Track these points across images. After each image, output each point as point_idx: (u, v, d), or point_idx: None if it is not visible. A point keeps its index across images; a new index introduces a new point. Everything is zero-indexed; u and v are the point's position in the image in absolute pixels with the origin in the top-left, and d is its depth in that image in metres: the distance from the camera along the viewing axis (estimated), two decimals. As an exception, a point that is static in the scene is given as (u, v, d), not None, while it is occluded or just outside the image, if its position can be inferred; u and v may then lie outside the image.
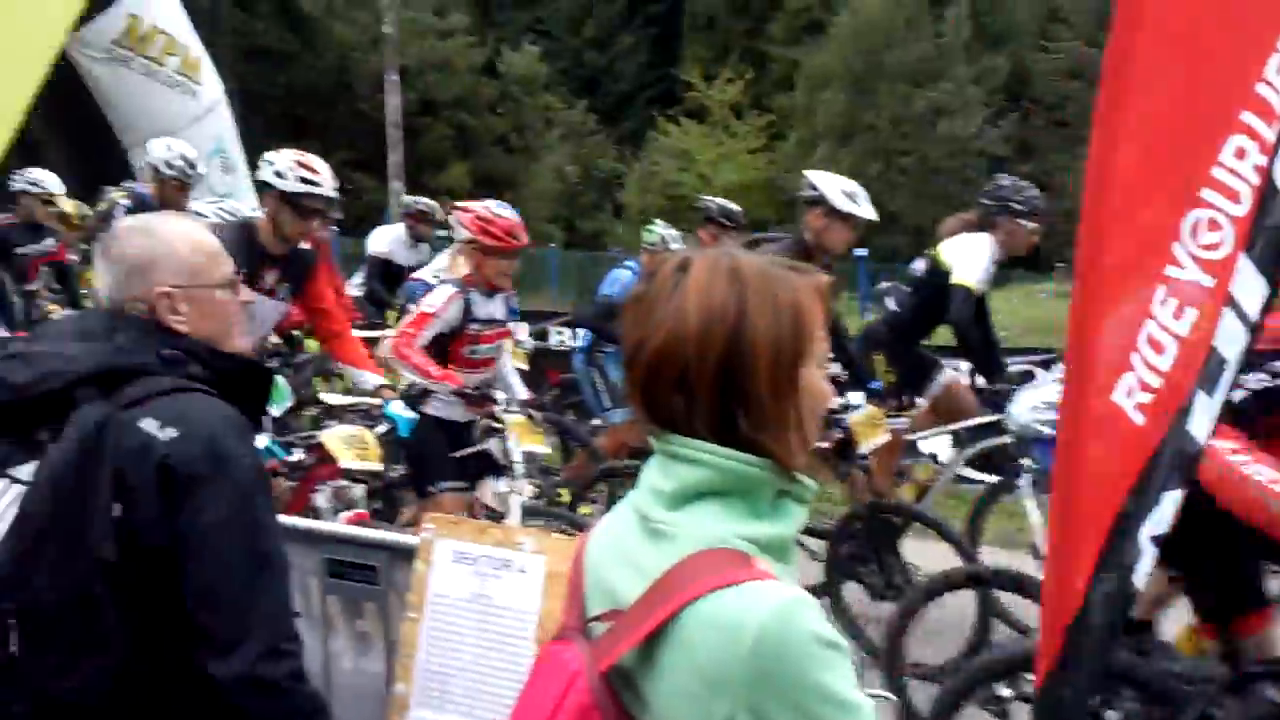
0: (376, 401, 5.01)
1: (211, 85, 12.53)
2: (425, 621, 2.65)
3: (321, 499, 4.83)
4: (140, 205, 7.52)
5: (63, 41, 4.09)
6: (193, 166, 7.84)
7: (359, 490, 4.86)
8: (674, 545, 1.32)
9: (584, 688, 1.34)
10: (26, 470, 1.90)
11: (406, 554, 2.73)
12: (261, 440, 4.60)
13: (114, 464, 1.84)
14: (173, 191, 7.77)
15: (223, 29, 27.17)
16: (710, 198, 7.76)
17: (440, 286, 5.01)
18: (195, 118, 12.31)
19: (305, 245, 4.92)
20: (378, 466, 4.86)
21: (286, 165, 4.67)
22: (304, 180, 4.64)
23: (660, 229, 7.39)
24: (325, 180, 4.69)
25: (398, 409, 4.87)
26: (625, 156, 34.99)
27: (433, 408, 4.95)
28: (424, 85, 30.39)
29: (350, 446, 4.70)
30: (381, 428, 4.88)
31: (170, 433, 1.87)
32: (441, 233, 9.23)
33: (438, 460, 4.94)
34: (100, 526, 1.82)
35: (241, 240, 4.55)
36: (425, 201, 9.96)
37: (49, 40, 3.82)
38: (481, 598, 2.64)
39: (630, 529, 1.40)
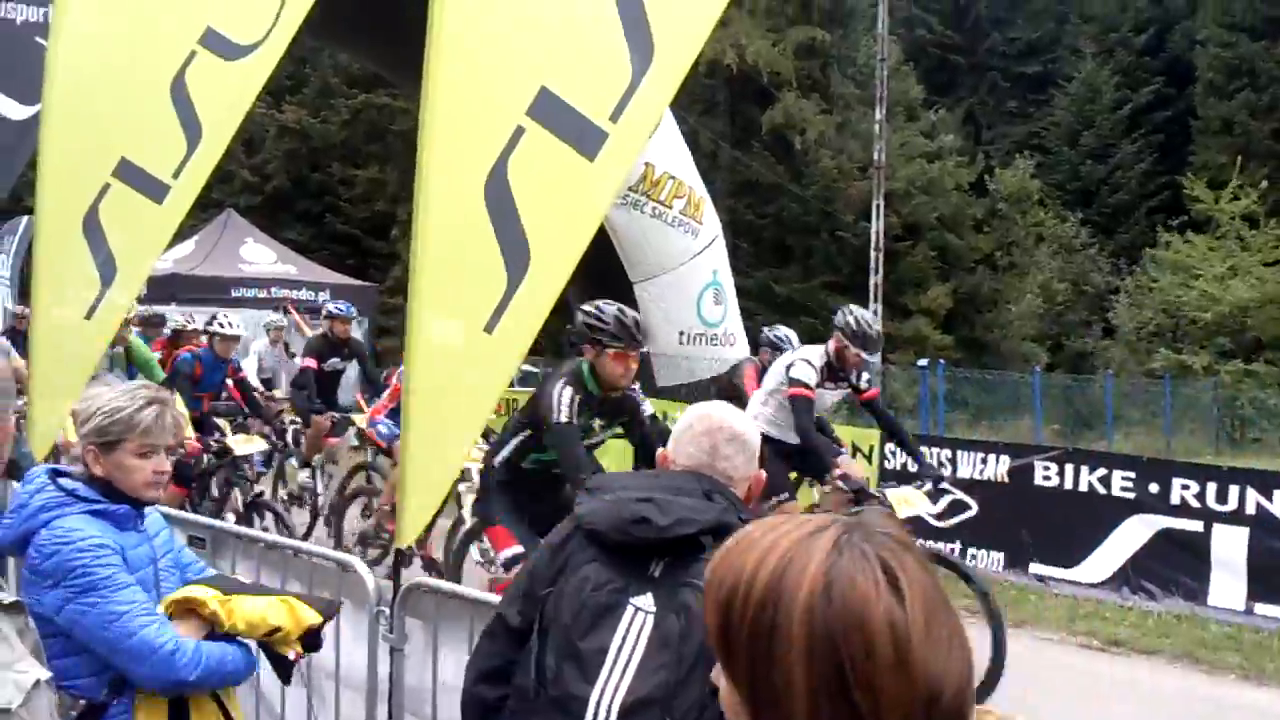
0: None
1: (710, 223, 13.45)
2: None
3: None
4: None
5: (608, 206, 4.67)
6: None
7: None
8: None
9: None
10: (646, 600, 2.23)
11: None
12: None
13: None
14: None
15: (720, 167, 29.23)
16: None
17: None
18: (694, 253, 13.26)
19: None
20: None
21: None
22: None
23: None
24: None
25: None
26: (1120, 270, 32.89)
27: None
28: (909, 208, 30.62)
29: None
30: None
31: None
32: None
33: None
34: None
35: None
36: None
37: (601, 205, 4.34)
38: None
39: None
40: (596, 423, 5.43)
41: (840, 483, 6.41)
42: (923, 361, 22.52)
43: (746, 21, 29.40)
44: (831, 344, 6.86)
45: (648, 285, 13.16)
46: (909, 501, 6.38)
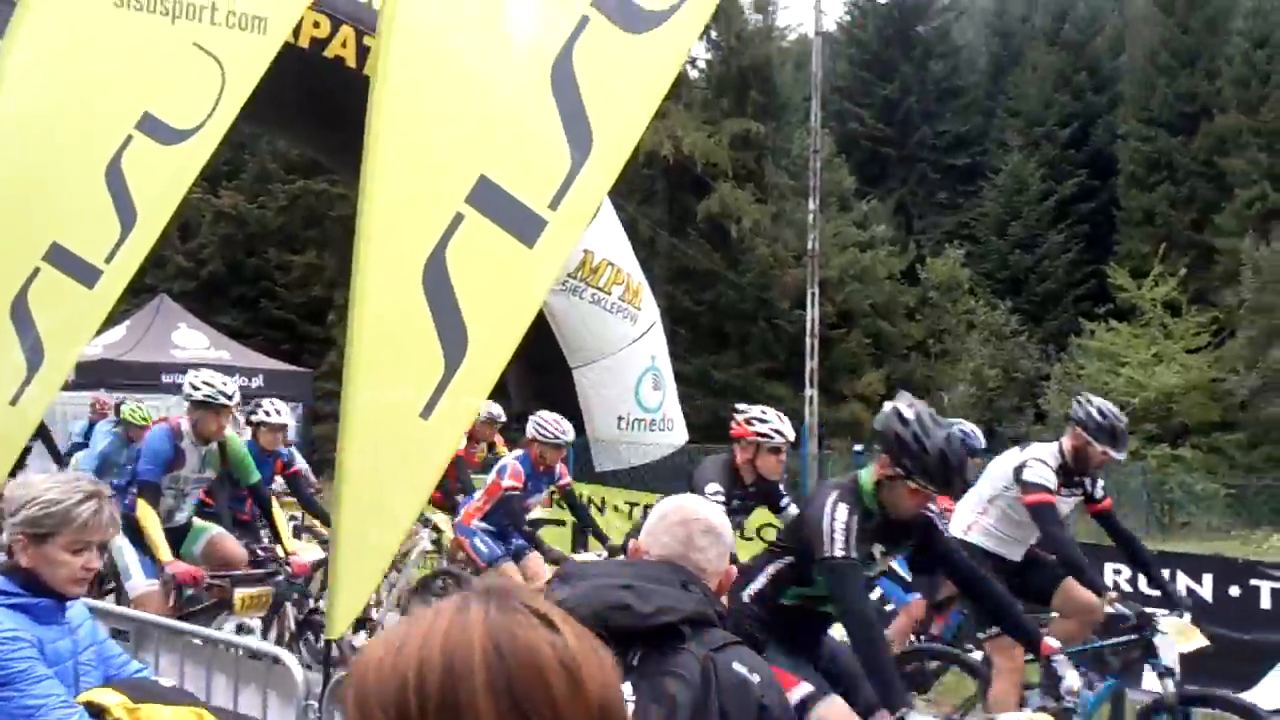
0: None
1: (649, 309, 13.55)
2: None
3: None
4: None
5: (546, 292, 4.69)
6: None
7: None
8: None
9: None
10: (625, 689, 2.20)
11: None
12: None
13: (719, 698, 2.15)
14: None
15: (658, 254, 29.55)
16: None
17: None
18: (633, 339, 13.33)
19: None
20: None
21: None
22: None
23: None
24: None
25: None
26: (1049, 357, 33.67)
27: None
28: (843, 295, 31.14)
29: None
30: None
31: (756, 677, 2.21)
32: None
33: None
34: None
35: None
36: None
37: (539, 292, 4.36)
38: None
39: None
40: (878, 549, 4.33)
41: (1119, 606, 5.47)
42: (858, 447, 22.68)
43: (683, 114, 29.97)
44: (1068, 441, 5.83)
45: (586, 371, 13.19)
46: (1185, 634, 5.35)
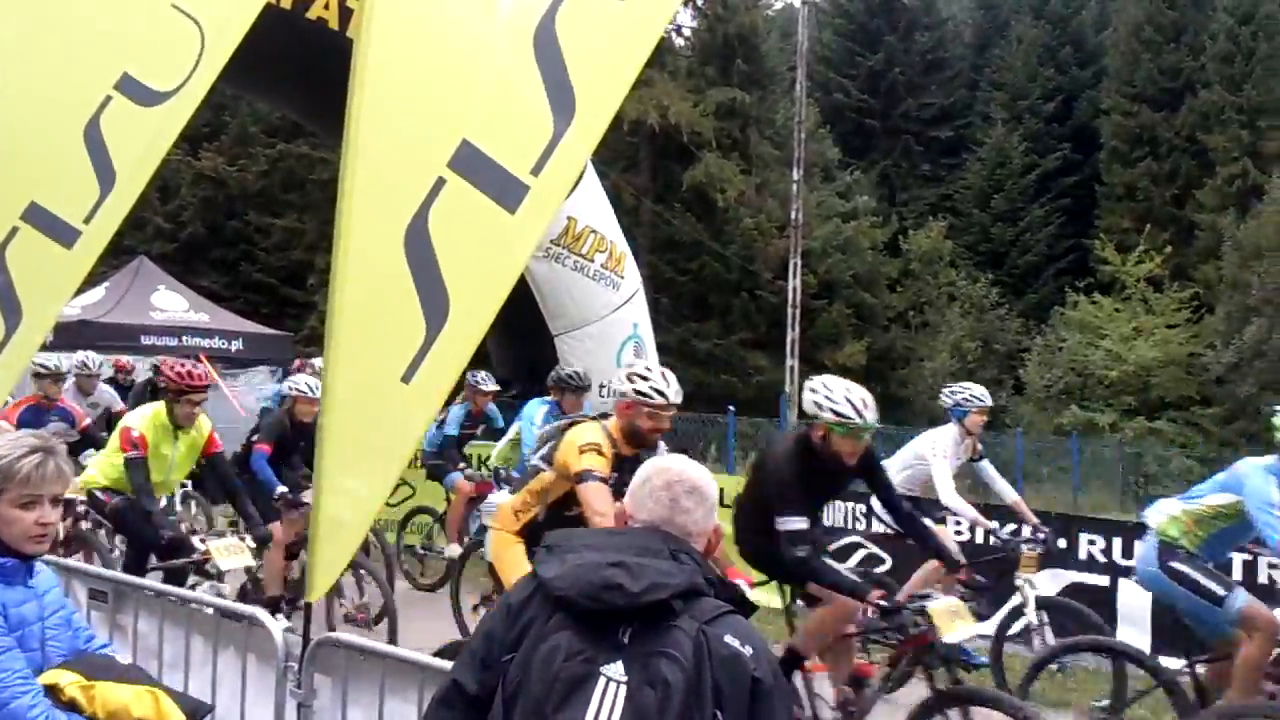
0: None
1: (632, 277, 13.54)
2: None
3: None
4: None
5: (528, 258, 4.69)
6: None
7: None
8: None
9: None
10: (617, 669, 2.15)
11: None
12: None
13: (713, 673, 2.12)
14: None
15: (642, 222, 29.48)
16: None
17: None
18: (615, 306, 13.33)
19: None
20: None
21: None
22: None
23: None
24: None
25: None
26: (1029, 330, 33.87)
27: None
28: (825, 266, 31.18)
29: None
30: None
31: (748, 649, 2.17)
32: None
33: None
34: None
35: None
36: None
37: (521, 258, 4.36)
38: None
39: None
40: None
41: None
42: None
43: (668, 82, 29.82)
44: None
45: (568, 338, 13.19)
46: None
